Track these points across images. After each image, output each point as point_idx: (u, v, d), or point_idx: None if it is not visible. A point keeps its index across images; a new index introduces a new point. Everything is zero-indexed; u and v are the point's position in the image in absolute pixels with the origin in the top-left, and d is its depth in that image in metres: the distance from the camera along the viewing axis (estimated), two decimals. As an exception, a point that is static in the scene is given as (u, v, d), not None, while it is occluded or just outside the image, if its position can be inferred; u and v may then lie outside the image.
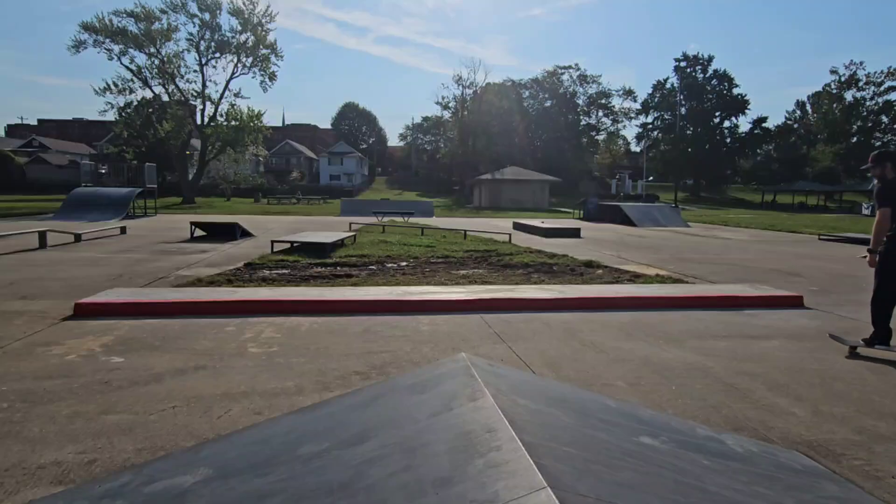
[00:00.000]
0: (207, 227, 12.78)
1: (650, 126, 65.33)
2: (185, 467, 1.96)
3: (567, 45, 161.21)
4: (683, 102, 59.29)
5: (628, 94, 64.54)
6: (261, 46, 35.96)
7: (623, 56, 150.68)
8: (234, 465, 1.92)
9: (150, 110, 37.98)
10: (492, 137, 54.77)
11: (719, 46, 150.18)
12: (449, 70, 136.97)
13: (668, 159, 60.47)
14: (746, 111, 61.26)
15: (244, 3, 34.79)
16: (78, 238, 10.65)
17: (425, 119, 75.25)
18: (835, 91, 61.63)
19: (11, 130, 76.89)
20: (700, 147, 60.99)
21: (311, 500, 1.53)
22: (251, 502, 1.60)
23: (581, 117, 64.70)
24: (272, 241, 9.85)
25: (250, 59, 36.25)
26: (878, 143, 60.05)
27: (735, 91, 61.17)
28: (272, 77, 36.82)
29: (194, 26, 35.32)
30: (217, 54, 35.91)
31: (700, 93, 61.02)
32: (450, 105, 57.70)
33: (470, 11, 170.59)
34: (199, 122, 36.63)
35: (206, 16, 34.99)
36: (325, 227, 15.26)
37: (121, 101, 37.84)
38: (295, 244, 9.71)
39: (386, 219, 19.41)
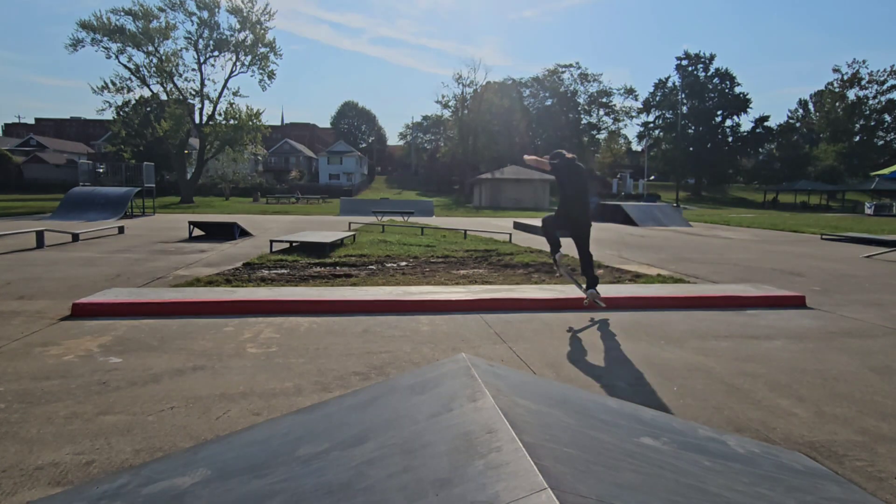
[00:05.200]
0: (206, 226, 12.76)
1: (651, 125, 65.28)
2: (183, 468, 1.95)
3: (560, 47, 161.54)
4: (685, 101, 59.22)
5: (629, 92, 64.52)
6: (259, 45, 35.95)
7: (618, 57, 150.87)
8: (233, 466, 1.91)
9: (149, 109, 38.01)
10: (492, 136, 54.72)
11: (718, 46, 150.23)
12: (445, 71, 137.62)
13: (669, 158, 60.38)
14: (748, 110, 61.26)
15: (243, 2, 34.82)
16: (76, 238, 10.63)
17: (425, 118, 75.33)
18: (837, 90, 61.54)
19: (9, 129, 76.84)
20: (702, 146, 60.96)
21: (310, 501, 1.51)
22: (250, 503, 1.59)
23: (582, 116, 64.65)
24: (271, 241, 9.83)
25: (249, 58, 36.25)
26: (881, 143, 60.05)
27: (737, 90, 61.15)
28: (271, 76, 36.82)
29: (193, 24, 35.37)
30: (215, 53, 35.92)
31: (702, 91, 60.97)
32: (450, 104, 57.68)
33: (462, 13, 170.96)
34: (197, 121, 36.61)
35: (205, 14, 35.01)
36: (324, 227, 15.25)
37: (119, 99, 38.02)
38: (294, 244, 9.69)
39: (385, 218, 19.40)
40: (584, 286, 5.14)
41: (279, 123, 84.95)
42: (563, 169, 5.18)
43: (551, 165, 5.16)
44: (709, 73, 61.60)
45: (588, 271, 5.08)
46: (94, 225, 14.21)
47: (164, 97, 35.44)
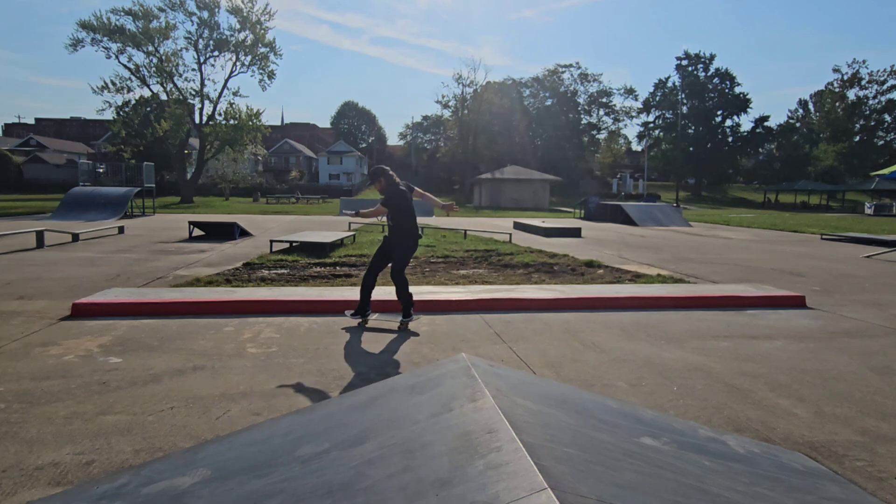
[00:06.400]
0: (206, 226, 12.76)
1: (651, 125, 65.24)
2: (183, 468, 1.94)
3: (560, 47, 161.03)
4: (685, 101, 59.18)
5: (629, 92, 64.43)
6: (259, 45, 35.92)
7: (618, 57, 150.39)
8: (233, 466, 1.91)
9: (149, 109, 37.97)
10: (492, 136, 54.73)
11: (718, 46, 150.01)
12: (445, 71, 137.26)
13: (669, 158, 60.34)
14: (748, 110, 61.16)
15: (243, 2, 34.79)
16: (76, 238, 10.63)
17: (425, 118, 75.24)
18: (837, 90, 61.44)
19: (9, 129, 76.73)
20: (702, 146, 60.90)
21: (310, 501, 1.51)
22: (250, 503, 1.59)
23: (582, 116, 64.56)
24: (271, 241, 9.83)
25: (249, 58, 36.22)
26: (881, 143, 60.00)
27: (737, 90, 61.11)
28: (271, 75, 36.78)
29: (193, 24, 35.34)
30: (216, 53, 35.89)
31: (702, 91, 60.90)
32: (450, 104, 57.66)
33: (462, 13, 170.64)
34: (197, 120, 36.59)
35: (205, 14, 34.98)
36: (324, 227, 15.25)
37: (119, 99, 38.02)
38: (294, 244, 9.69)
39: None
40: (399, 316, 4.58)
41: (279, 123, 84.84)
42: (403, 192, 4.51)
43: (389, 193, 4.41)
44: (709, 73, 61.54)
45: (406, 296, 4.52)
46: (94, 225, 14.21)
47: (164, 97, 35.40)
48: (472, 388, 1.99)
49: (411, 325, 4.53)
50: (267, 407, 2.80)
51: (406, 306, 4.48)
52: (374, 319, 4.65)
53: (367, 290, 4.55)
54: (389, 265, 4.56)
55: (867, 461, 2.33)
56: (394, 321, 4.59)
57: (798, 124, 67.66)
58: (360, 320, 4.59)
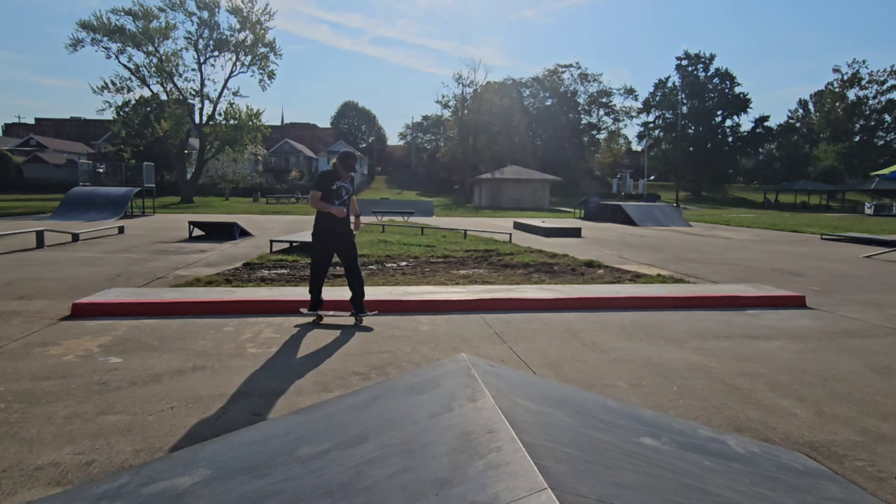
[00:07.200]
0: (206, 226, 12.76)
1: (651, 125, 65.24)
2: (183, 468, 1.95)
3: (560, 47, 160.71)
4: (685, 101, 59.17)
5: (629, 92, 64.40)
6: (259, 45, 35.93)
7: (618, 57, 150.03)
8: (233, 466, 1.91)
9: (149, 109, 38.00)
10: (492, 136, 54.69)
11: (718, 46, 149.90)
12: (445, 71, 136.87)
13: (669, 158, 60.30)
14: (748, 110, 61.16)
15: (243, 2, 34.81)
16: (76, 238, 10.63)
17: (425, 118, 75.28)
18: (837, 90, 61.41)
19: (9, 129, 76.67)
20: (702, 146, 60.90)
21: (310, 501, 1.51)
22: (250, 503, 1.59)
23: (582, 116, 64.54)
24: (271, 241, 9.83)
25: (249, 58, 36.24)
26: (881, 143, 59.98)
27: (737, 90, 61.11)
28: (271, 75, 36.79)
29: (193, 24, 35.38)
30: (216, 53, 35.91)
31: (702, 91, 60.89)
32: (450, 104, 57.58)
33: (462, 13, 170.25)
34: (197, 120, 36.60)
35: (205, 14, 35.01)
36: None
37: (119, 99, 38.02)
38: (294, 244, 9.69)
39: (385, 218, 19.40)
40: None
41: (279, 123, 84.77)
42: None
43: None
44: (709, 73, 61.53)
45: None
46: (94, 225, 14.21)
47: (164, 97, 35.41)
48: (472, 388, 1.99)
49: (366, 321, 4.65)
50: (267, 407, 2.80)
51: (362, 300, 4.62)
52: (330, 316, 4.78)
53: (319, 288, 4.68)
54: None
55: (867, 461, 2.33)
56: (346, 317, 4.73)
57: (798, 124, 67.61)
58: (316, 317, 4.71)
